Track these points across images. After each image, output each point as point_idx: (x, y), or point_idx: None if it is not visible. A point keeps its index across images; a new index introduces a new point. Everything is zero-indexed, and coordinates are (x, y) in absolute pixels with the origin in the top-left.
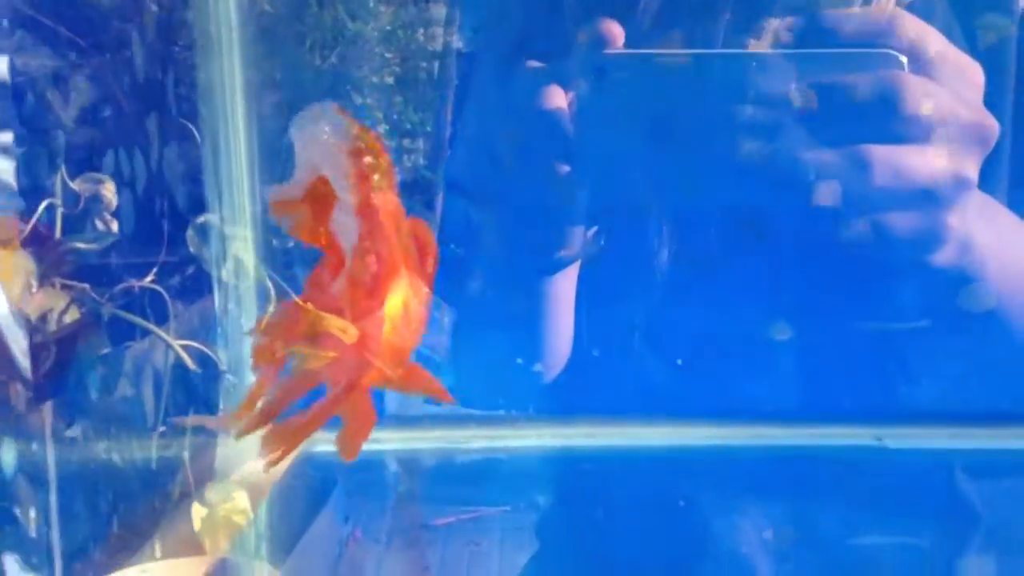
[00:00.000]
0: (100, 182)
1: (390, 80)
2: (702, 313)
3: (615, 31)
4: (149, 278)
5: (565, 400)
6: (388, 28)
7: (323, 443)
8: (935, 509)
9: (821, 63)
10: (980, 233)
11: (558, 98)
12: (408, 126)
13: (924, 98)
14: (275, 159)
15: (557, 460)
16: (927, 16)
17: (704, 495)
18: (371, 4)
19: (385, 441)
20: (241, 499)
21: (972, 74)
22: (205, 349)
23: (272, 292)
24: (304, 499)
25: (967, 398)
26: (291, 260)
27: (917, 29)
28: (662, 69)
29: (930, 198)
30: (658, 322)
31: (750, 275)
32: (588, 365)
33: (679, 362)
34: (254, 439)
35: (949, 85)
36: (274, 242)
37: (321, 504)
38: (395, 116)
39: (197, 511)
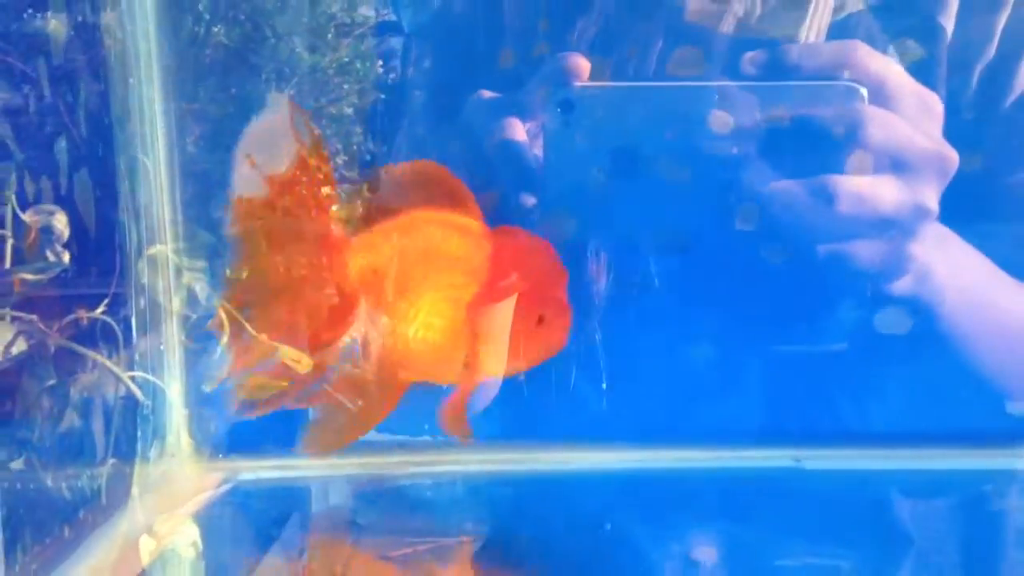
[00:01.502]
0: (51, 213)
1: (349, 111)
2: (628, 336)
3: (582, 64)
4: (100, 309)
5: (491, 425)
6: (346, 59)
7: (269, 473)
8: (861, 531)
9: (786, 95)
10: (938, 262)
11: (517, 130)
12: (368, 157)
13: (885, 129)
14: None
15: (486, 486)
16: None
17: (630, 519)
18: (329, 36)
19: (306, 468)
20: (192, 531)
21: (931, 105)
22: (157, 382)
23: (226, 323)
24: (252, 531)
25: (892, 419)
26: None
27: (877, 61)
28: (630, 100)
29: (893, 227)
30: (586, 346)
31: (674, 298)
32: (515, 390)
33: (604, 386)
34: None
35: (909, 116)
36: (228, 272)
37: (272, 536)
38: (354, 147)
39: (145, 544)
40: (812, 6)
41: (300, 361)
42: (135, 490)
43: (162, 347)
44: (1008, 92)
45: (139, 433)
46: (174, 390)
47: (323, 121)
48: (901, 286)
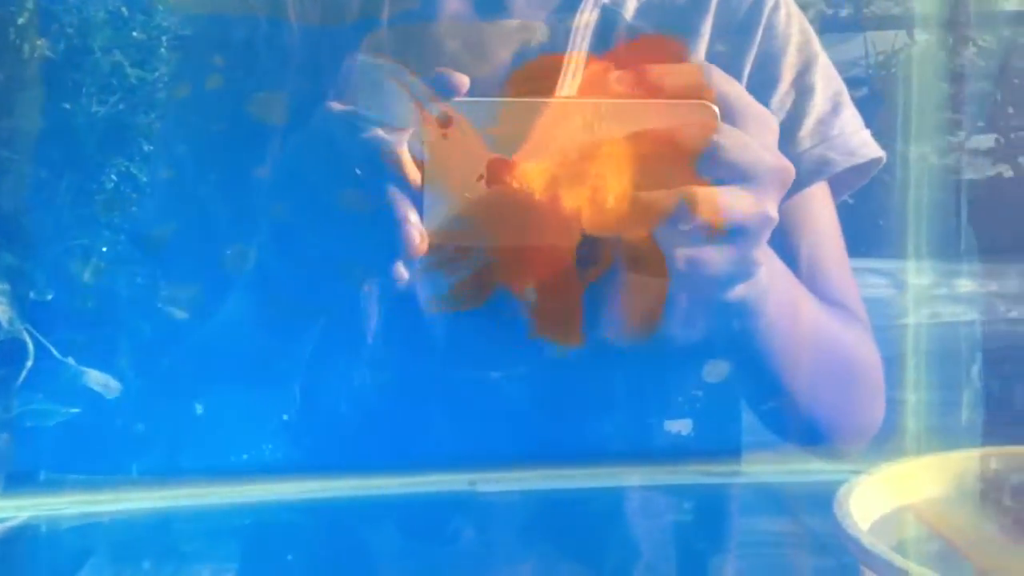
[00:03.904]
0: None
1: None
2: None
3: (461, 80)
4: None
5: (168, 460)
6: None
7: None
8: (540, 552)
9: (649, 112)
10: (764, 270)
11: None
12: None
13: (736, 144)
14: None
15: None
16: None
17: (325, 547)
18: (162, 50)
19: (63, 506)
20: None
21: (770, 123)
22: None
23: (30, 346)
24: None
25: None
26: (50, 314)
27: (723, 81)
28: (505, 115)
29: (742, 234)
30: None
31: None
32: (192, 421)
33: (285, 417)
34: None
35: (753, 132)
36: (31, 295)
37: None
38: None
39: None
40: (569, 44)
41: (108, 385)
42: None
43: None
44: None
45: None
46: None
47: (152, 137)
48: (739, 291)
